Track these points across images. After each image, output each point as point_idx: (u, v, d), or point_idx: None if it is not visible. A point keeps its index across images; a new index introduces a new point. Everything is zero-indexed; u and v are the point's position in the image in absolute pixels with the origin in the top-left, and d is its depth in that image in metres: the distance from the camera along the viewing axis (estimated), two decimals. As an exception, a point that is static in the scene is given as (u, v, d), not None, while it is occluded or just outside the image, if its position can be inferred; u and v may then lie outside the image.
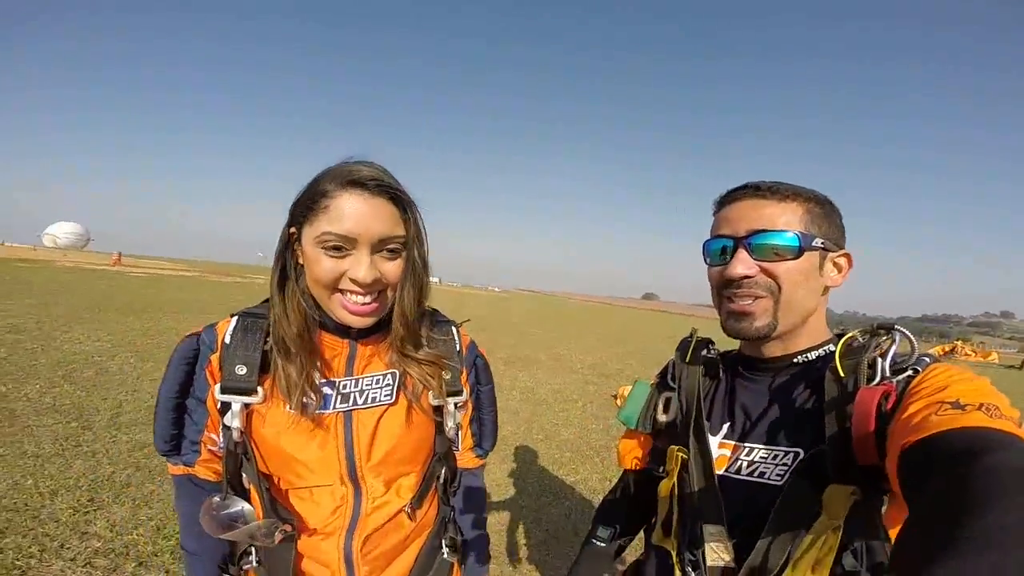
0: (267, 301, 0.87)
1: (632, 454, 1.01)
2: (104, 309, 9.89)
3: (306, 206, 0.77)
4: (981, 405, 0.52)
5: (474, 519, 1.07)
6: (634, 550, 1.04)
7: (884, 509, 0.64)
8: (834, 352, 0.74)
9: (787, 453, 0.74)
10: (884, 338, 0.72)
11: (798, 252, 0.75)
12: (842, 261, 0.81)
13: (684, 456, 0.84)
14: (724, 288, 0.81)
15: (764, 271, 0.77)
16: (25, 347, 5.94)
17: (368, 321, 0.81)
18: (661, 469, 0.90)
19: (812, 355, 0.80)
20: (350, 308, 0.79)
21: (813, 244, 0.76)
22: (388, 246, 0.78)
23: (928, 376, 0.63)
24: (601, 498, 1.15)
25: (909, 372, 0.66)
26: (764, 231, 0.76)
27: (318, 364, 0.84)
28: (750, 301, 0.78)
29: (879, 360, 0.69)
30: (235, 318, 0.85)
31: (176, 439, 0.86)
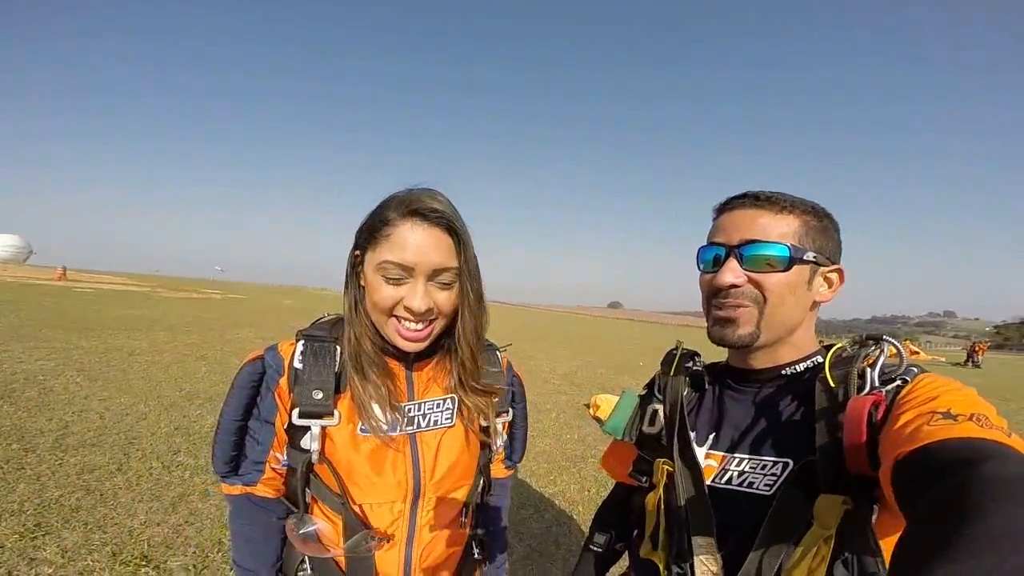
0: (318, 322, 0.94)
1: (621, 465, 1.01)
2: (48, 326, 9.33)
3: (369, 232, 0.81)
4: (972, 415, 0.53)
5: (498, 523, 1.12)
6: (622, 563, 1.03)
7: (874, 519, 0.64)
8: (822, 363, 0.75)
9: (776, 463, 0.74)
10: (873, 348, 0.73)
11: (788, 265, 0.75)
12: (834, 276, 0.81)
13: (670, 468, 0.83)
14: (713, 296, 0.81)
15: (752, 281, 0.77)
16: (-41, 366, 5.51)
17: (419, 347, 0.85)
18: (646, 481, 0.90)
19: (800, 367, 0.80)
20: (403, 334, 0.82)
21: (804, 258, 0.76)
22: (442, 277, 0.81)
23: (917, 386, 0.64)
24: (580, 509, 1.17)
25: (898, 382, 0.67)
26: (756, 241, 0.76)
27: (389, 385, 0.88)
28: (734, 309, 0.79)
29: (868, 370, 0.70)
30: (301, 342, 0.87)
31: (235, 460, 0.89)
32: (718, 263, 0.80)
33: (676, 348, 0.95)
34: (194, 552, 2.53)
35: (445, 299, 0.83)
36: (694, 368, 0.91)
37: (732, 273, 0.77)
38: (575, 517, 3.49)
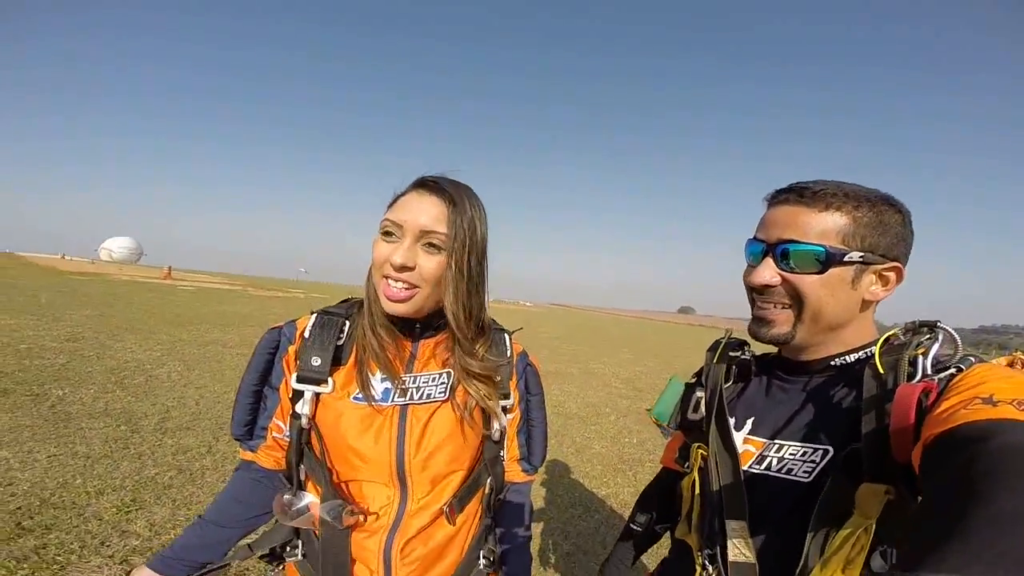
0: (344, 301, 0.98)
1: (671, 451, 1.04)
2: (155, 320, 10.39)
3: (390, 204, 0.88)
4: (1014, 400, 0.50)
5: (516, 537, 1.05)
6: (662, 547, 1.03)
7: None
8: (874, 353, 0.72)
9: (816, 451, 0.73)
10: (927, 336, 0.69)
11: (824, 267, 0.73)
12: (890, 274, 0.76)
13: (704, 453, 0.83)
14: (752, 290, 0.81)
15: (786, 282, 0.75)
16: (82, 354, 6.30)
17: (401, 308, 0.85)
18: (687, 465, 0.91)
19: (851, 357, 0.77)
20: (387, 292, 0.84)
21: (845, 259, 0.72)
22: (430, 240, 0.83)
23: (970, 374, 0.61)
24: None
25: (952, 370, 0.63)
26: (793, 241, 0.74)
27: (391, 352, 0.90)
28: (771, 308, 0.78)
29: (920, 358, 0.66)
30: (314, 315, 0.92)
31: (250, 425, 0.94)
32: (756, 259, 0.79)
33: (725, 336, 0.96)
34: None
35: (429, 264, 0.83)
36: (741, 357, 0.91)
37: (767, 273, 0.76)
38: (626, 519, 3.41)
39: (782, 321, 0.77)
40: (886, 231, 0.74)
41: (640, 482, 4.25)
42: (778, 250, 0.75)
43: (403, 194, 0.87)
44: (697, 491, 0.85)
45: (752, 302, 0.82)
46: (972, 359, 0.65)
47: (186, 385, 5.52)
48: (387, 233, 0.84)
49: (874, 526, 0.61)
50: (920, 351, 0.67)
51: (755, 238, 0.81)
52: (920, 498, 0.61)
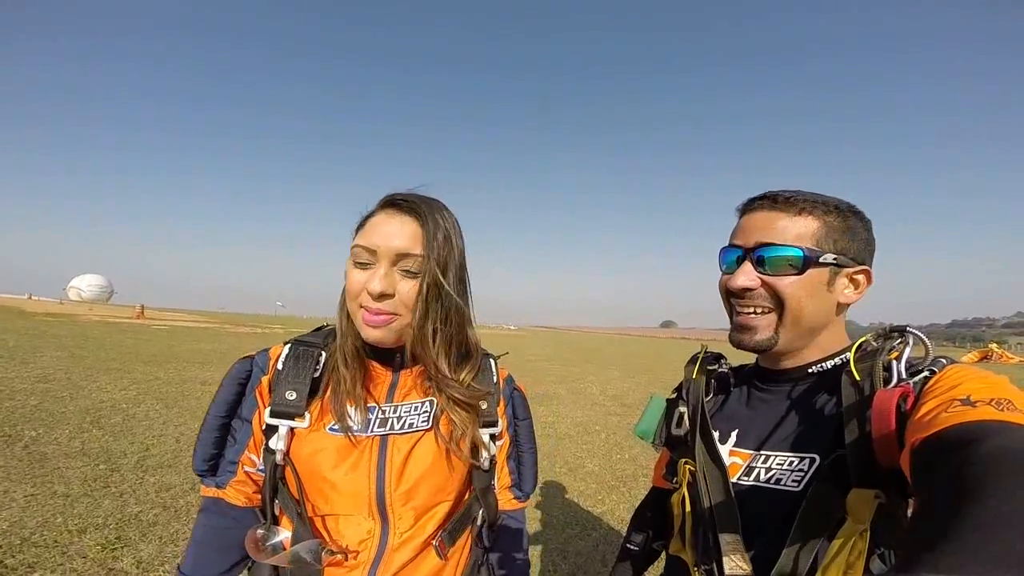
0: (318, 329, 0.93)
1: (659, 469, 1.03)
2: (130, 360, 10.07)
3: (357, 227, 0.84)
4: (992, 400, 0.52)
5: (514, 564, 1.01)
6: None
7: (910, 512, 0.63)
8: (849, 359, 0.74)
9: (803, 459, 0.73)
10: (897, 341, 0.72)
11: (802, 268, 0.75)
12: (860, 277, 0.79)
13: (692, 468, 0.84)
14: (730, 296, 0.82)
15: (766, 284, 0.77)
16: (55, 395, 6.07)
17: (378, 334, 0.80)
18: (675, 481, 0.90)
19: (828, 364, 0.79)
20: (365, 318, 0.80)
21: (821, 260, 0.75)
22: (407, 264, 0.79)
23: (944, 376, 0.63)
24: None
25: (925, 373, 0.65)
26: (771, 244, 0.76)
27: (367, 385, 0.86)
28: (752, 314, 0.79)
29: (894, 363, 0.68)
30: (287, 345, 0.88)
31: (215, 459, 0.87)
32: (734, 265, 0.81)
33: (701, 351, 0.97)
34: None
35: (407, 288, 0.79)
36: (719, 370, 0.93)
37: (745, 276, 0.77)
38: (623, 536, 3.38)
39: (764, 326, 0.78)
40: (854, 236, 0.78)
41: (635, 498, 4.22)
42: (756, 254, 0.77)
43: (371, 215, 0.83)
44: (688, 507, 0.84)
45: (731, 310, 0.83)
46: (943, 360, 0.67)
47: (165, 423, 5.35)
48: (360, 260, 0.80)
49: (869, 530, 0.62)
50: (893, 356, 0.70)
51: (730, 245, 0.82)
52: (910, 500, 0.63)
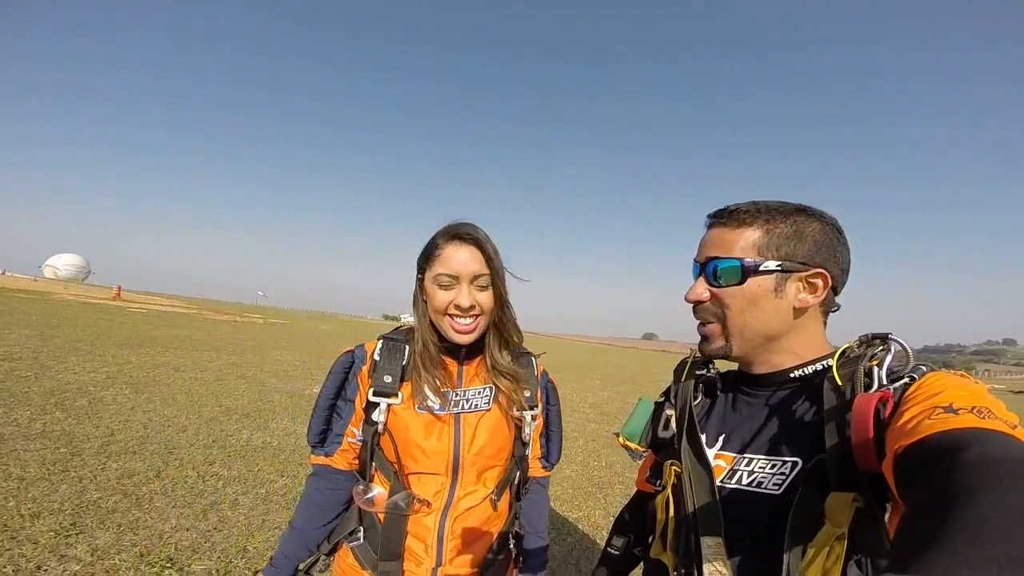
0: (397, 329, 1.18)
1: (643, 472, 1.04)
2: (102, 342, 9.85)
3: (425, 257, 1.07)
4: (973, 408, 0.53)
5: (537, 524, 1.24)
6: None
7: (887, 517, 0.63)
8: (832, 365, 0.75)
9: (785, 463, 0.74)
10: (880, 348, 0.73)
11: (741, 278, 0.78)
12: (816, 280, 0.78)
13: (677, 469, 0.84)
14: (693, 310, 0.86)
15: (714, 296, 0.81)
16: (19, 375, 5.89)
17: (469, 338, 1.06)
18: (659, 483, 0.91)
19: (809, 369, 0.80)
20: (456, 327, 1.05)
21: (761, 268, 0.77)
22: (479, 281, 1.04)
23: (924, 383, 0.63)
24: (604, 533, 1.19)
25: (906, 379, 0.66)
26: (717, 258, 0.80)
27: (441, 375, 1.09)
28: (703, 324, 0.84)
29: (875, 369, 0.69)
30: (380, 341, 1.13)
31: (324, 433, 1.12)
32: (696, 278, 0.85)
33: (689, 355, 0.97)
34: (219, 557, 2.59)
35: (484, 298, 1.05)
36: (707, 374, 0.93)
37: (694, 290, 0.82)
38: (599, 541, 3.39)
39: (715, 335, 0.82)
40: (802, 239, 0.77)
41: (611, 504, 4.21)
42: (708, 268, 0.81)
43: (440, 248, 1.04)
44: (671, 509, 0.85)
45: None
46: (924, 368, 0.68)
47: (133, 408, 5.21)
48: (443, 284, 1.03)
49: (847, 535, 0.62)
50: (874, 362, 0.70)
51: (694, 260, 0.86)
52: (888, 505, 0.63)
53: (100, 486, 3.20)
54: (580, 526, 3.68)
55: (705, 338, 0.84)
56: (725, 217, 0.82)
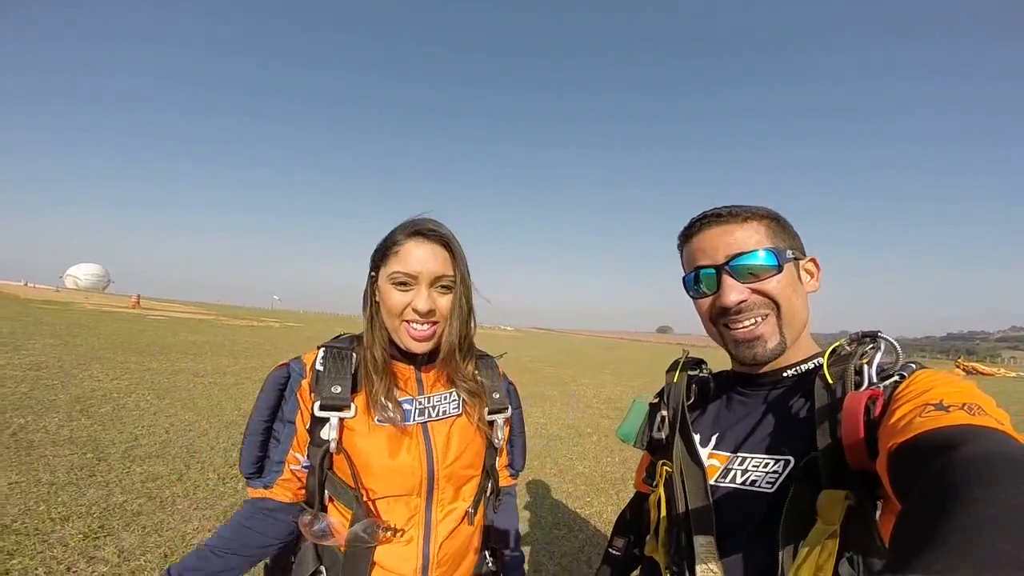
0: (338, 337, 1.04)
1: (639, 473, 1.04)
2: (123, 350, 10.06)
3: (382, 253, 0.95)
4: (964, 405, 0.53)
5: (511, 538, 1.15)
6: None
7: (878, 515, 0.64)
8: (823, 363, 0.75)
9: (778, 461, 0.74)
10: (870, 346, 0.73)
11: (779, 267, 0.77)
12: (811, 266, 0.83)
13: (669, 469, 0.85)
14: (720, 317, 0.82)
15: (756, 292, 0.78)
16: (46, 383, 6.07)
17: (425, 346, 0.95)
18: (653, 484, 0.91)
19: (802, 367, 0.80)
20: (412, 334, 0.93)
21: (787, 256, 0.78)
22: (442, 283, 0.94)
23: (914, 381, 0.64)
24: None
25: (896, 377, 0.66)
26: (742, 253, 0.78)
27: (397, 383, 0.98)
28: (753, 323, 0.79)
29: (866, 367, 0.70)
30: (322, 350, 0.99)
31: (261, 461, 0.96)
32: (712, 286, 0.81)
33: (682, 356, 0.98)
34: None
35: (445, 303, 0.95)
36: (700, 374, 0.94)
37: (735, 291, 0.77)
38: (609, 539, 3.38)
39: (771, 332, 0.78)
40: (790, 232, 0.83)
41: (623, 501, 4.19)
42: (733, 266, 0.78)
43: (399, 244, 0.93)
44: (663, 508, 0.85)
45: (723, 330, 0.83)
46: (913, 366, 0.68)
47: (156, 413, 5.35)
48: (399, 282, 0.92)
49: (839, 532, 0.62)
50: (864, 360, 0.71)
51: (699, 267, 0.82)
52: (879, 503, 0.63)
53: (125, 489, 3.32)
54: (592, 522, 3.72)
55: (756, 339, 0.78)
56: (726, 215, 0.81)
